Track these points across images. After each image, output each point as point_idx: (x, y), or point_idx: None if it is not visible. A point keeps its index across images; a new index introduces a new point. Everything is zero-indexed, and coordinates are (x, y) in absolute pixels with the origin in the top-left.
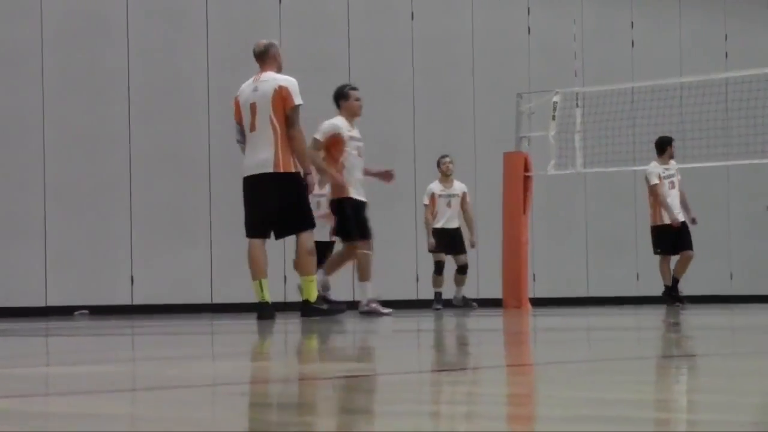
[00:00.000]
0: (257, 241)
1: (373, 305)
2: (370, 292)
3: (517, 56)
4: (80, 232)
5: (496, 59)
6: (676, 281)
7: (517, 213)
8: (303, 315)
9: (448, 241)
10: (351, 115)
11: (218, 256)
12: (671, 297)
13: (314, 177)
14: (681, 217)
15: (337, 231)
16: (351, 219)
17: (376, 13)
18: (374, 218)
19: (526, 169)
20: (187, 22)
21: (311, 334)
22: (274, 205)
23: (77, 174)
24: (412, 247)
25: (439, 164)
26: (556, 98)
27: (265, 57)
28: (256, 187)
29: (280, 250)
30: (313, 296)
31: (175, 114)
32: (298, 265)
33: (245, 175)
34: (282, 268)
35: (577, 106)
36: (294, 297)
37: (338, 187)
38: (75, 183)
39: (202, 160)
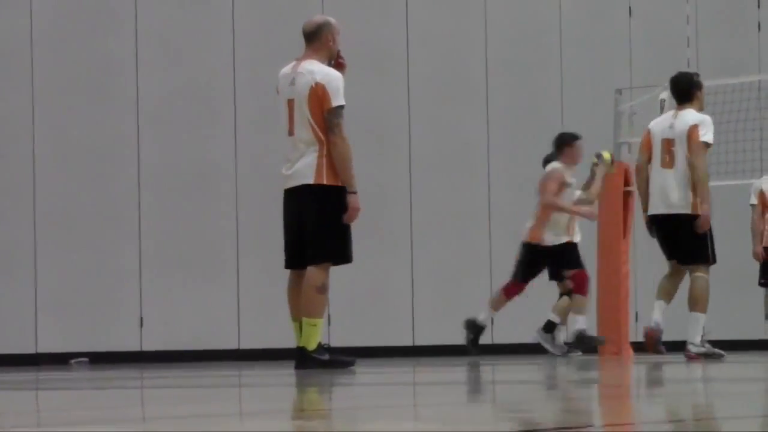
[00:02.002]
0: (294, 275)
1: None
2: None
3: (616, 44)
4: (78, 265)
5: (589, 48)
6: None
7: (616, 237)
8: (297, 365)
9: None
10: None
11: (248, 293)
12: None
13: (356, 199)
14: None
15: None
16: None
17: None
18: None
19: (627, 182)
20: (208, 7)
21: (338, 386)
22: (306, 225)
23: (74, 195)
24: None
25: (570, 144)
26: (663, 95)
27: (312, 39)
28: (293, 203)
29: None
30: (312, 343)
31: (194, 120)
32: (302, 301)
33: (284, 188)
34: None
35: None
36: (342, 341)
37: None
38: (71, 206)
39: (227, 177)
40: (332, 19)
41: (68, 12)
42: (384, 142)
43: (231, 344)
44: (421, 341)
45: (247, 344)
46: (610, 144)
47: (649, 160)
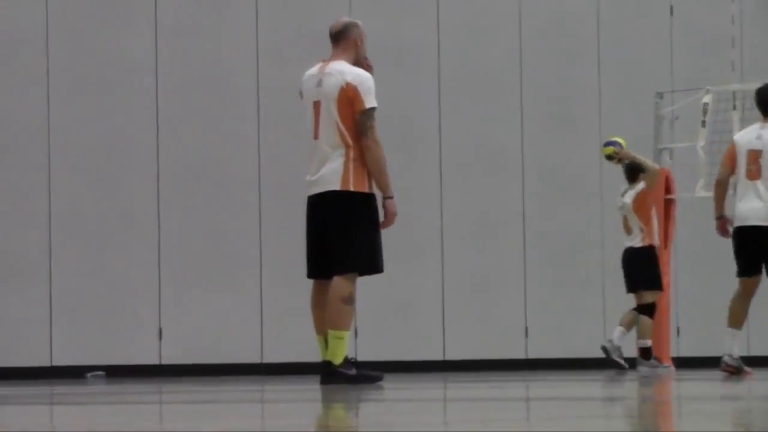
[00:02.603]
0: (318, 286)
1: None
2: None
3: (656, 44)
4: (94, 275)
5: (628, 48)
6: None
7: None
8: (323, 380)
9: None
10: None
11: (271, 304)
12: None
13: (394, 204)
14: None
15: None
16: None
17: None
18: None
19: (668, 190)
20: (230, 1)
21: (370, 402)
22: (332, 233)
23: (90, 200)
24: (520, 284)
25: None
26: (707, 98)
27: (339, 40)
28: (318, 210)
29: None
30: (338, 357)
31: (215, 122)
32: (327, 312)
33: (308, 194)
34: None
35: (734, 108)
36: (369, 355)
37: None
38: (87, 212)
39: (250, 181)
40: (359, 22)
41: (84, 6)
42: (413, 144)
43: (254, 358)
44: (452, 355)
45: (270, 358)
46: (651, 149)
47: (732, 172)
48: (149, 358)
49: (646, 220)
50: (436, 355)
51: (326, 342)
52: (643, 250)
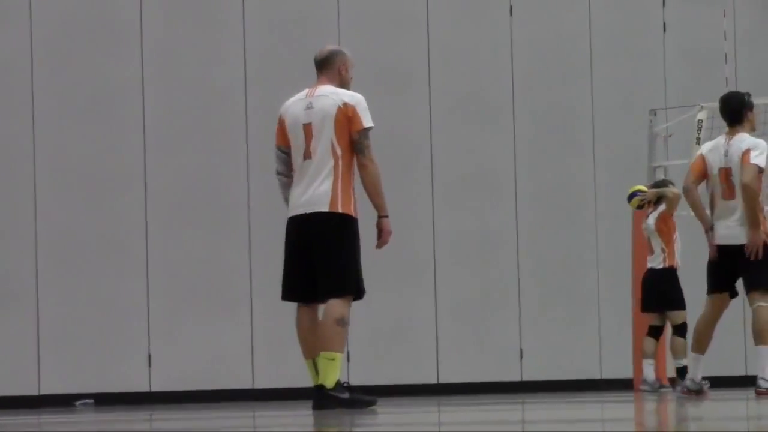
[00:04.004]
0: (303, 312)
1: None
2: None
3: (650, 61)
4: (82, 300)
5: (621, 66)
6: None
7: None
8: (315, 405)
9: None
10: (752, 131)
11: (262, 329)
12: None
13: (389, 223)
14: None
15: None
16: None
17: (464, 10)
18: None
19: None
20: (218, 24)
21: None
22: (324, 255)
23: (78, 225)
24: (515, 306)
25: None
26: (701, 115)
27: (325, 67)
28: (304, 230)
29: None
30: (330, 380)
31: (204, 145)
32: (319, 334)
33: (292, 214)
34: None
35: None
36: (362, 379)
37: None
38: (75, 236)
39: (239, 204)
40: (346, 50)
41: (70, 29)
42: (405, 167)
43: (245, 384)
44: (446, 378)
45: (261, 383)
46: (645, 167)
47: (697, 181)
48: (139, 386)
49: (667, 242)
50: (429, 379)
51: (315, 366)
52: (664, 271)
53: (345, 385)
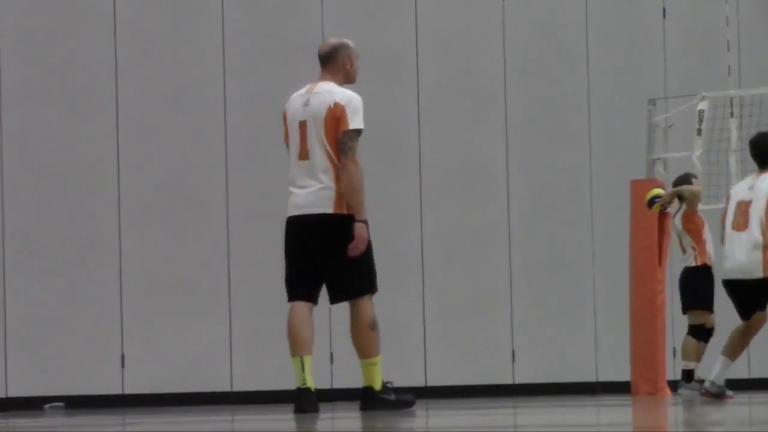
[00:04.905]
0: (301, 306)
1: None
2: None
3: (648, 49)
4: (51, 299)
5: (618, 53)
6: None
7: (651, 264)
8: (363, 407)
9: None
10: None
11: (241, 330)
12: None
13: (364, 229)
14: None
15: None
16: None
17: None
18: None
19: None
20: (195, 9)
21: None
22: (326, 257)
23: (46, 218)
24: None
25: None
26: (702, 105)
27: (328, 62)
28: (304, 232)
29: (324, 317)
30: (377, 383)
31: (180, 135)
32: (356, 343)
33: (291, 214)
34: (327, 342)
35: (732, 115)
36: (345, 382)
37: None
38: (43, 231)
39: (218, 200)
40: (350, 42)
41: (38, 14)
42: (391, 159)
43: (223, 386)
44: (435, 381)
45: (240, 386)
46: (643, 160)
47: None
48: (112, 388)
49: (697, 240)
50: (417, 381)
51: (303, 364)
52: (697, 269)
53: (389, 385)
